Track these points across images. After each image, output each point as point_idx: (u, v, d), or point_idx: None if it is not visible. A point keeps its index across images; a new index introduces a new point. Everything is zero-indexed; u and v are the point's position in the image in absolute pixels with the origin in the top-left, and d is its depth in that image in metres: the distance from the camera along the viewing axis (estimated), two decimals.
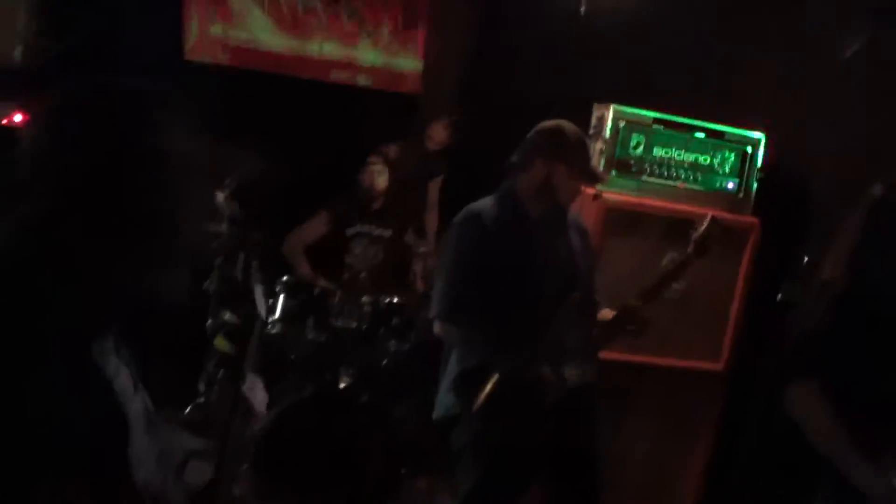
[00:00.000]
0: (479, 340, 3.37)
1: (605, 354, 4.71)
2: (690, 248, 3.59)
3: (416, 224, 5.85)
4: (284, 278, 4.81)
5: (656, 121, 4.84)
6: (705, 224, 3.59)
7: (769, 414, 4.54)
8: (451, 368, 3.47)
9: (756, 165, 4.91)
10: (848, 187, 4.63)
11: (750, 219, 4.90)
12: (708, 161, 4.92)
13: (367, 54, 6.64)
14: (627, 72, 5.61)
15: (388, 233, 5.63)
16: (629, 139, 4.82)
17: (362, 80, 6.65)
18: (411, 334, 4.75)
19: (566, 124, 3.57)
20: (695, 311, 4.92)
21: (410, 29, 6.75)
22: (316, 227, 5.54)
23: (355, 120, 6.44)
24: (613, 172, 4.81)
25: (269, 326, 4.63)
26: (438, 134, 6.29)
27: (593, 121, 5.00)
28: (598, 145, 4.82)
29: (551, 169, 3.52)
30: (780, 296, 4.34)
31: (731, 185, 4.94)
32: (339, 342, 4.66)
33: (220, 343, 4.70)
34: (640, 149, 4.84)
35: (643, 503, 5.03)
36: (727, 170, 4.94)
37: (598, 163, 4.78)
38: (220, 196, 5.20)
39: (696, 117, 4.94)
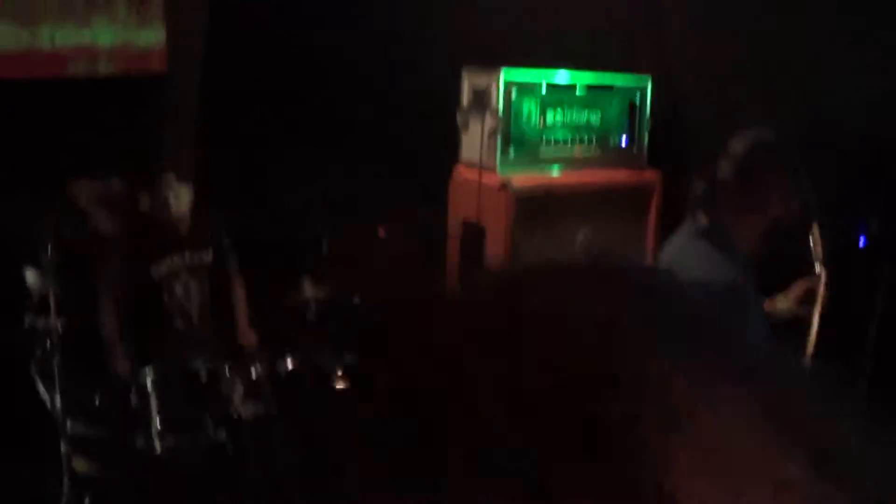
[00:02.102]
0: None
1: None
2: (819, 309, 2.82)
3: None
4: (146, 371, 3.61)
5: (550, 82, 4.15)
6: (822, 285, 2.86)
7: None
8: None
9: (645, 115, 4.40)
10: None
11: (650, 174, 4.42)
12: (599, 118, 4.34)
13: (105, 33, 5.23)
14: (454, 26, 4.82)
15: (207, 257, 4.49)
16: (522, 109, 4.10)
17: (103, 68, 5.26)
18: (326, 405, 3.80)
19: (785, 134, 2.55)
20: None
21: None
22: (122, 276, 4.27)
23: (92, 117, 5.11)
24: (512, 152, 4.09)
25: (153, 441, 3.48)
26: None
27: (465, 91, 4.22)
28: (489, 122, 4.05)
29: (788, 207, 2.47)
30: None
31: (623, 140, 4.40)
32: (246, 437, 3.61)
33: (79, 465, 3.50)
34: (534, 118, 4.14)
35: None
36: (618, 124, 4.39)
37: (493, 145, 4.06)
38: (33, 274, 3.86)
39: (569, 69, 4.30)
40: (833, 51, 3.91)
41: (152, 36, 5.51)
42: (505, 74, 3.98)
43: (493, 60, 4.16)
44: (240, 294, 4.56)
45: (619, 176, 4.35)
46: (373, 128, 4.88)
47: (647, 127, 4.41)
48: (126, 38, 5.37)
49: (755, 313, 2.47)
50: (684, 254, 2.50)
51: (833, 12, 3.93)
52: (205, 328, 4.36)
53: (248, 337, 4.48)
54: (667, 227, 4.38)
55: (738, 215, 2.46)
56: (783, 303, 2.87)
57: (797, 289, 2.86)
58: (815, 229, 2.89)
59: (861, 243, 3.29)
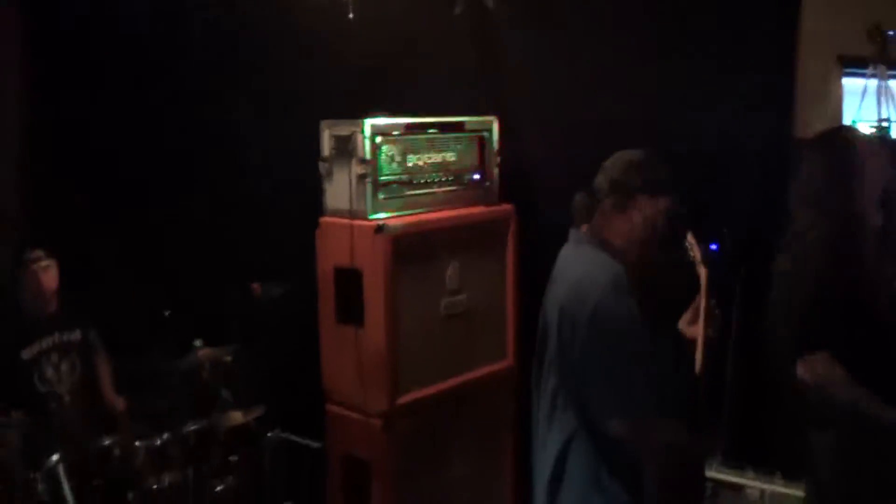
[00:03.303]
0: (678, 435, 2.73)
1: (413, 395, 4.31)
2: (705, 311, 3.15)
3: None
4: (54, 458, 3.40)
5: (408, 127, 4.30)
6: (693, 247, 3.20)
7: None
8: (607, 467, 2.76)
9: (493, 151, 4.64)
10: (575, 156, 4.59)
11: (505, 207, 4.66)
12: (455, 157, 4.54)
13: None
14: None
15: (75, 336, 4.33)
16: (387, 155, 4.23)
17: None
18: (234, 458, 3.75)
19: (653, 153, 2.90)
20: (477, 318, 4.62)
21: None
22: None
23: None
24: (381, 196, 4.20)
25: None
26: None
27: (326, 142, 4.29)
28: (357, 169, 4.15)
29: (655, 205, 2.83)
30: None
31: (476, 176, 4.62)
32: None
33: None
34: (397, 163, 4.29)
35: None
36: (471, 162, 4.61)
37: (363, 190, 4.15)
38: None
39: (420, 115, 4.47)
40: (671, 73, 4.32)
41: None
42: (371, 123, 4.09)
43: (340, 113, 4.30)
44: (104, 367, 4.44)
45: (477, 211, 4.56)
46: (229, 189, 4.88)
47: (496, 164, 4.64)
48: None
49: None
50: (571, 258, 2.87)
51: (673, 39, 4.33)
52: (77, 404, 4.21)
53: (115, 403, 4.36)
54: (524, 254, 4.66)
55: (612, 222, 2.83)
56: (682, 322, 3.18)
57: (686, 314, 3.18)
58: (690, 236, 3.24)
59: (713, 247, 3.61)
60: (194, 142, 4.94)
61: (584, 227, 2.89)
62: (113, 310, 4.41)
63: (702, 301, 3.11)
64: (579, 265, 2.79)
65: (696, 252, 3.18)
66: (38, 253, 4.18)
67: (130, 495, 3.44)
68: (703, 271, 3.16)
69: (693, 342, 3.01)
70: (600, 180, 2.87)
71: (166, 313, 4.27)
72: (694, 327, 3.08)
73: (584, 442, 2.75)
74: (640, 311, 2.77)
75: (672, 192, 2.86)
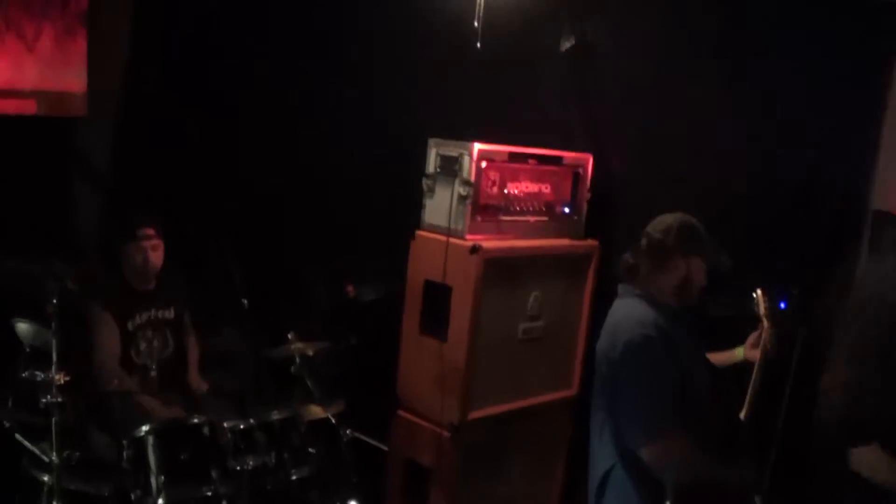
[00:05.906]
0: (693, 454, 2.97)
1: (483, 411, 4.46)
2: (762, 353, 3.36)
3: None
4: (144, 428, 3.57)
5: (511, 155, 4.45)
6: (765, 334, 3.41)
7: None
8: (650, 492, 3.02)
9: (585, 187, 4.79)
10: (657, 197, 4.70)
11: (590, 242, 4.81)
12: (549, 189, 4.69)
13: (33, 74, 5.14)
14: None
15: (170, 314, 4.53)
16: (489, 179, 4.39)
17: (29, 108, 5.16)
18: (312, 450, 3.92)
19: (689, 217, 3.25)
20: (549, 346, 4.77)
21: (73, 35, 5.34)
22: (111, 334, 4.27)
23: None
24: (478, 218, 4.36)
25: (153, 497, 3.45)
26: None
27: (433, 158, 4.45)
28: (458, 189, 4.31)
29: (689, 264, 3.19)
30: None
31: (566, 210, 4.77)
32: (241, 486, 3.66)
33: None
34: (496, 187, 4.45)
35: None
36: (563, 195, 4.76)
37: (463, 211, 4.31)
38: (25, 326, 3.78)
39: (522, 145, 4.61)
40: (756, 127, 4.39)
41: (75, 79, 5.46)
42: (479, 147, 4.25)
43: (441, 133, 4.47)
44: (193, 348, 4.62)
45: (564, 244, 4.70)
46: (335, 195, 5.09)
47: (586, 199, 4.79)
48: (51, 78, 5.29)
49: (684, 349, 3.09)
50: (614, 309, 3.24)
51: (756, 97, 4.41)
52: (163, 379, 4.39)
53: (198, 384, 4.55)
54: (601, 290, 4.79)
55: (652, 279, 3.20)
56: (740, 350, 3.55)
57: (749, 338, 3.52)
58: (759, 293, 3.48)
59: (782, 306, 3.78)
60: (305, 146, 5.14)
61: (630, 283, 3.25)
62: (209, 296, 4.59)
63: (761, 352, 3.36)
64: (618, 313, 3.18)
65: (762, 307, 3.43)
66: (150, 231, 4.36)
67: (214, 473, 3.59)
68: (768, 325, 3.40)
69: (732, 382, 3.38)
70: (642, 242, 3.24)
71: (244, 302, 4.46)
72: (753, 352, 3.43)
73: (620, 472, 3.10)
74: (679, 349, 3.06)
75: (706, 251, 3.19)
